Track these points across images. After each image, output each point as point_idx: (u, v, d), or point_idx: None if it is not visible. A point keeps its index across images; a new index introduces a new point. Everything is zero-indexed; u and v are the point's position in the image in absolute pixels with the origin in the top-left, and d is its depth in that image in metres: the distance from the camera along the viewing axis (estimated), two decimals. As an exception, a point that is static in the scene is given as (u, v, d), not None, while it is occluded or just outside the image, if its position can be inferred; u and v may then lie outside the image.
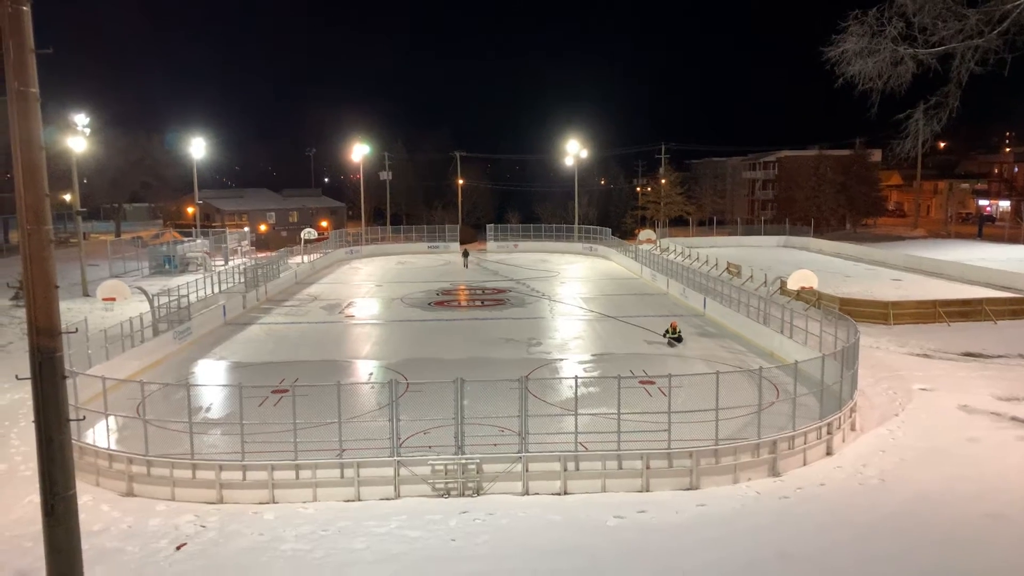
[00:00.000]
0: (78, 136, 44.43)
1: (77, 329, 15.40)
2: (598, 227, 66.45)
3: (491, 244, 67.79)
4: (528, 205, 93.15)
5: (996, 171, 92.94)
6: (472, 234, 74.49)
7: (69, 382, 9.70)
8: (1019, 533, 14.17)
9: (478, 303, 41.44)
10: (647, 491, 16.54)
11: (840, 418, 19.04)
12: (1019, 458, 17.90)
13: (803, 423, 18.17)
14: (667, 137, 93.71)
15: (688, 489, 16.66)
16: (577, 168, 70.73)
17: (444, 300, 42.06)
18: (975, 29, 15.51)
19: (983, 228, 71.70)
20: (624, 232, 76.77)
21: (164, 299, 30.41)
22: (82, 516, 9.57)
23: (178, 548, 13.99)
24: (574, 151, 70.03)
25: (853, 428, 19.92)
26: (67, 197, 55.83)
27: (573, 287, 46.17)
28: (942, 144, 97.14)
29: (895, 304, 33.93)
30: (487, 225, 70.81)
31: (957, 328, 32.01)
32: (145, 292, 29.75)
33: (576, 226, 68.25)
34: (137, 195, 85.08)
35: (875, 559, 13.24)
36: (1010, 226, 68.75)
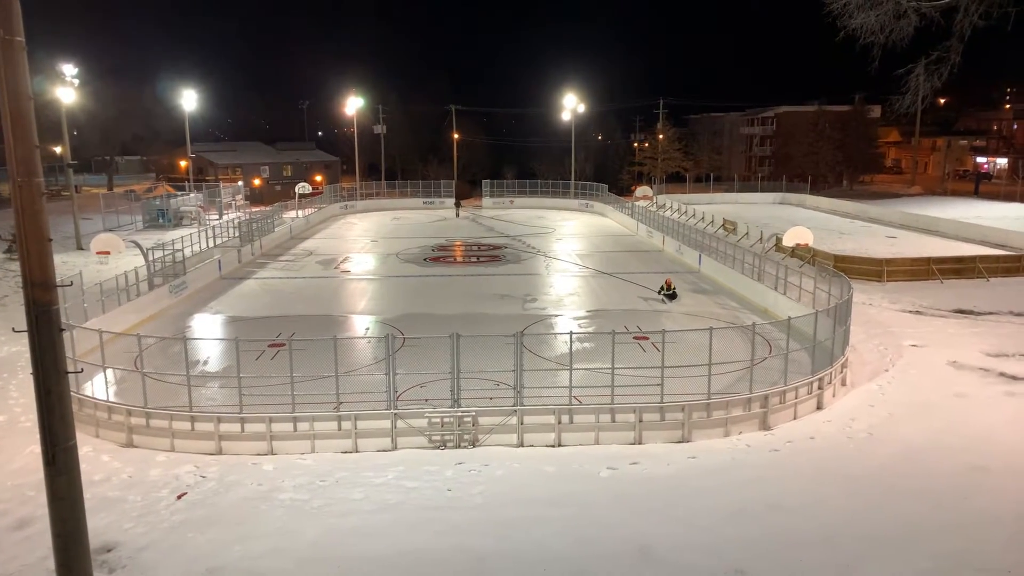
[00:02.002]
0: (67, 86, 43.65)
1: (72, 282, 15.41)
2: (595, 183, 66.07)
3: (487, 200, 67.41)
4: (525, 160, 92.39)
5: (995, 128, 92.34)
6: (468, 189, 74.07)
7: (66, 335, 9.73)
8: (1001, 484, 14.51)
9: (474, 259, 41.42)
10: (639, 443, 16.82)
11: (831, 373, 19.28)
12: (1005, 412, 18.21)
13: (795, 378, 18.41)
14: (665, 93, 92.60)
15: (680, 442, 16.94)
16: (574, 123, 69.96)
17: (440, 256, 42.02)
18: (980, -19, 15.25)
19: (980, 186, 71.55)
20: (621, 188, 76.40)
21: (159, 253, 30.30)
22: (83, 466, 9.72)
23: (179, 497, 14.24)
24: (571, 106, 69.16)
25: (844, 383, 20.18)
26: (57, 149, 55.18)
27: (569, 243, 46.13)
28: (942, 100, 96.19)
29: (889, 261, 34.04)
30: (483, 180, 70.29)
31: (950, 285, 32.21)
32: (139, 246, 29.63)
33: (572, 182, 67.83)
34: (129, 148, 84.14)
35: (862, 511, 13.57)
36: (1006, 183, 68.59)
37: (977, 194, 67.37)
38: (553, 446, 16.74)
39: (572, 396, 17.26)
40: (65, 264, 34.05)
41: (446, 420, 16.72)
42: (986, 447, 16.19)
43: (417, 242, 46.21)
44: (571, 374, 17.35)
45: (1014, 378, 20.60)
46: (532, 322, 26.24)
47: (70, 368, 9.28)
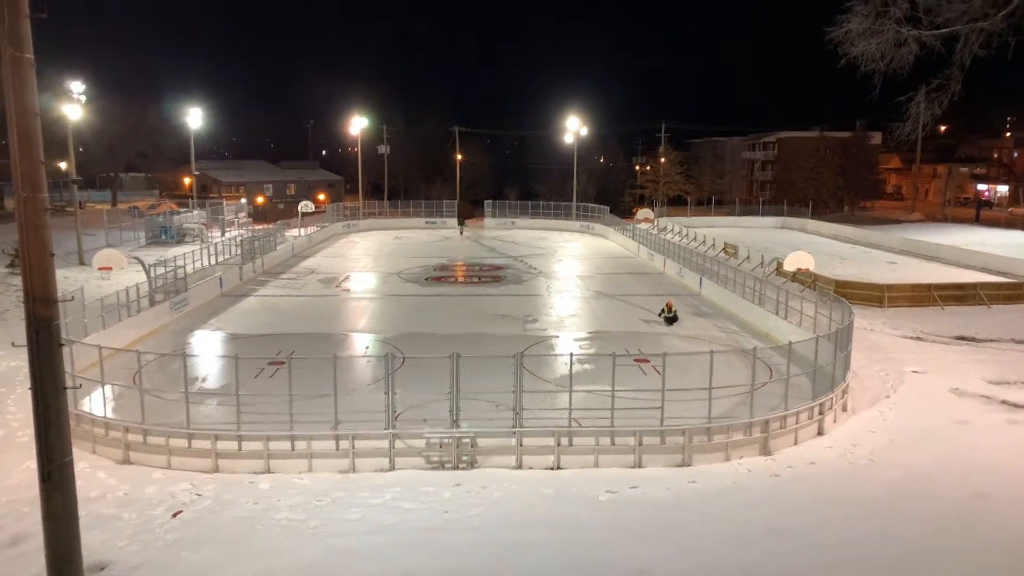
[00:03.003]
0: (74, 103, 44.00)
1: (73, 297, 15.45)
2: (596, 205, 66.29)
3: (489, 220, 67.58)
4: (527, 181, 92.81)
5: (995, 156, 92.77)
6: (470, 210, 74.33)
7: (65, 350, 9.71)
8: (1003, 512, 14.38)
9: (475, 279, 41.46)
10: (639, 467, 16.70)
11: (832, 399, 19.20)
12: (1007, 440, 18.10)
13: (795, 403, 18.32)
14: (667, 116, 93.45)
15: (680, 466, 16.83)
16: (576, 145, 70.34)
17: (441, 276, 42.07)
18: (980, 11, 15.41)
19: (980, 213, 71.72)
20: (622, 211, 76.58)
21: (160, 269, 30.36)
22: (79, 483, 9.67)
23: (174, 515, 14.14)
24: (574, 128, 69.60)
25: (845, 409, 20.08)
26: (63, 165, 55.50)
27: (570, 265, 46.19)
28: (942, 128, 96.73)
29: (890, 287, 34.02)
30: (485, 201, 70.58)
31: (951, 312, 32.15)
32: (141, 262, 29.70)
33: (574, 204, 68.05)
34: (134, 165, 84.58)
35: (862, 537, 13.45)
36: (1009, 210, 68.74)
37: (978, 221, 67.51)
38: (552, 469, 16.63)
39: (572, 418, 17.17)
40: (67, 279, 34.09)
41: (445, 441, 16.62)
42: (988, 474, 16.07)
43: (419, 262, 46.28)
44: (571, 396, 17.28)
45: (1016, 406, 20.49)
46: (532, 343, 26.19)
47: (69, 383, 9.26)
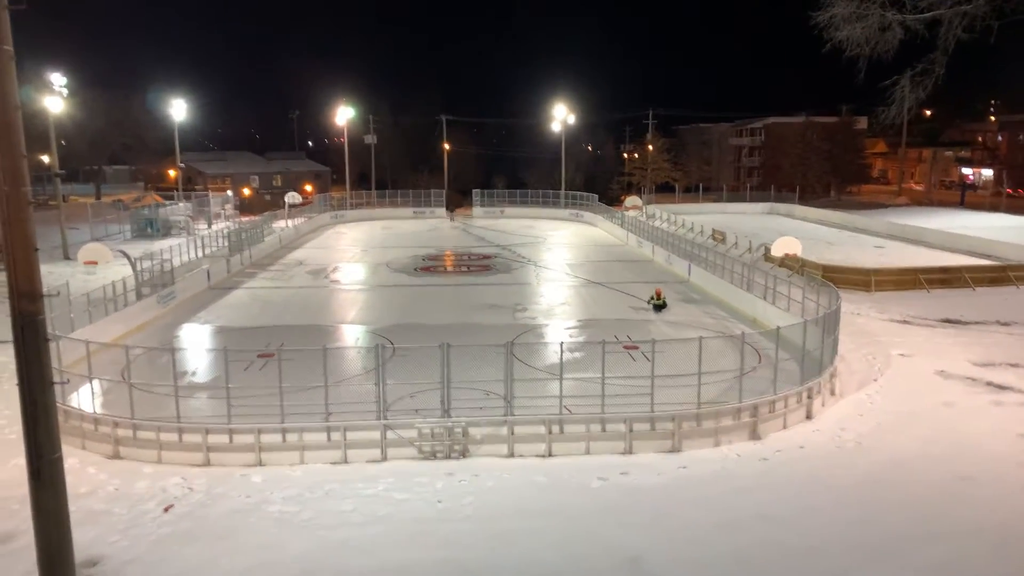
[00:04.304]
0: (55, 96, 43.49)
1: (59, 292, 15.29)
2: (585, 193, 66.27)
3: (477, 209, 67.43)
4: (515, 171, 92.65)
5: (980, 139, 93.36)
6: (458, 199, 74.12)
7: (52, 345, 9.65)
8: (988, 495, 14.57)
9: (464, 269, 41.42)
10: (630, 453, 16.80)
11: (820, 383, 19.35)
12: (992, 422, 18.33)
13: (784, 388, 18.45)
14: (655, 103, 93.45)
15: (670, 452, 16.93)
16: (564, 134, 70.20)
17: (430, 266, 42.00)
18: (964, -5, 15.50)
19: (965, 196, 72.25)
20: (611, 199, 76.57)
21: (147, 263, 30.13)
22: (68, 479, 9.64)
23: (165, 510, 14.10)
24: (561, 116, 69.44)
25: (832, 393, 20.26)
26: (45, 158, 54.93)
27: (559, 253, 46.22)
28: (927, 112, 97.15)
29: (877, 271, 34.27)
30: (473, 190, 70.39)
31: (937, 295, 32.45)
32: (127, 256, 29.46)
33: (563, 192, 67.99)
34: (117, 157, 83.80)
35: (851, 520, 13.60)
36: (992, 194, 69.30)
37: (963, 204, 68.02)
38: (544, 456, 16.69)
39: (562, 406, 17.24)
40: (52, 274, 33.75)
41: (436, 430, 16.64)
42: (973, 456, 16.28)
43: (407, 252, 46.17)
44: (561, 384, 17.33)
45: (1001, 387, 20.75)
46: (522, 332, 26.23)
47: (56, 379, 9.21)
